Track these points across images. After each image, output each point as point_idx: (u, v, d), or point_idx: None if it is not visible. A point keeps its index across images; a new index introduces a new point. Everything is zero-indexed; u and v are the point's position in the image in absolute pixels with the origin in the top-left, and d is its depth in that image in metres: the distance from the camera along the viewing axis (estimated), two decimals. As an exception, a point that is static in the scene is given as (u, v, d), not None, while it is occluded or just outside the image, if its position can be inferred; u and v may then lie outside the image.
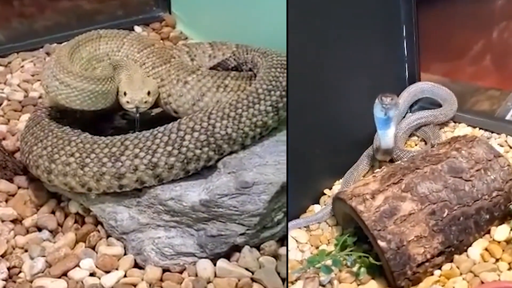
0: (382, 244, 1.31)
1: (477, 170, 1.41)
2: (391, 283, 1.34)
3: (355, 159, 1.70)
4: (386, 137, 1.58)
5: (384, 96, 1.52)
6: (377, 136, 1.63)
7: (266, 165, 1.46)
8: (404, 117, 1.81)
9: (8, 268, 1.41)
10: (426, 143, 1.75)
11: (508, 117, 1.81)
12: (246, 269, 1.39)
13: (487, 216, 1.40)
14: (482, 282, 1.32)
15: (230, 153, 1.48)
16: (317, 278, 1.39)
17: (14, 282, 1.38)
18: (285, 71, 1.57)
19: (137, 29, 2.30)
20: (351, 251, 1.40)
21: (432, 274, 1.36)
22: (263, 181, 1.42)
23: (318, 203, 1.63)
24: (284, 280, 1.38)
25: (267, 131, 1.53)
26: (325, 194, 1.64)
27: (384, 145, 1.60)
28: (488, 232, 1.42)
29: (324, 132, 1.61)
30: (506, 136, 1.71)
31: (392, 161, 1.66)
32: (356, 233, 1.43)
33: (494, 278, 1.33)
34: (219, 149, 1.46)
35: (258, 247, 1.43)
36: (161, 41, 2.25)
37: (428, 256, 1.33)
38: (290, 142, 1.46)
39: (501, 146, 1.68)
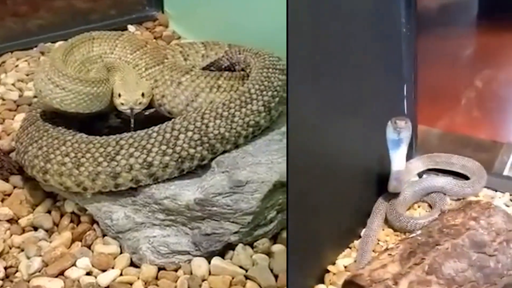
0: None
1: (499, 243, 1.33)
2: None
3: (356, 226, 1.58)
4: (396, 158, 1.54)
5: (398, 119, 1.50)
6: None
7: (259, 164, 1.48)
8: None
9: (5, 268, 1.42)
10: (431, 207, 1.66)
11: (505, 173, 1.76)
12: (240, 266, 1.41)
13: None
14: None
15: (223, 152, 1.50)
16: None
17: (11, 281, 1.40)
18: (277, 71, 1.59)
19: (131, 28, 2.32)
20: None
21: None
22: (256, 180, 1.44)
23: (323, 282, 1.45)
24: (277, 276, 1.40)
25: (260, 131, 1.55)
26: (329, 271, 1.47)
27: (395, 167, 1.56)
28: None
29: (323, 199, 1.45)
30: (510, 195, 1.65)
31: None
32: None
33: None
34: (213, 148, 1.48)
35: (251, 245, 1.45)
36: (154, 40, 2.27)
37: None
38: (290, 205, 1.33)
39: (507, 206, 1.61)
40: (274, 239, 1.48)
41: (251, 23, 1.95)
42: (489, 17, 2.28)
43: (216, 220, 1.43)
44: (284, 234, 1.49)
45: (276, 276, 1.40)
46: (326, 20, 1.38)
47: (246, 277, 1.40)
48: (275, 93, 1.56)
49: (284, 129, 1.59)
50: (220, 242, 1.43)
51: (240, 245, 1.44)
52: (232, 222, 1.43)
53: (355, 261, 1.48)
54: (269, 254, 1.44)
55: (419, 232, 1.39)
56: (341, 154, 1.50)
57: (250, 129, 1.52)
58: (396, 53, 1.69)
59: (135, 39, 1.72)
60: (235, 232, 1.43)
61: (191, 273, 1.41)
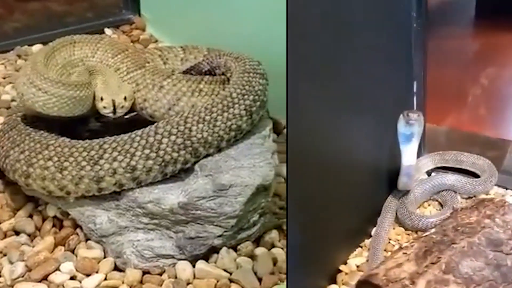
0: None
1: None
2: None
3: (366, 225, 1.57)
4: (407, 153, 1.54)
5: (410, 112, 1.50)
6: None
7: (242, 168, 1.49)
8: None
9: (-12, 273, 1.42)
10: (442, 206, 1.66)
11: None
12: (224, 270, 1.42)
13: None
14: None
15: (206, 156, 1.50)
16: None
17: (-5, 286, 1.40)
18: (257, 76, 1.60)
19: (107, 31, 2.31)
20: None
21: None
22: (239, 184, 1.45)
23: (335, 282, 1.45)
24: (261, 279, 1.41)
25: (242, 134, 1.56)
26: (341, 271, 1.47)
27: (405, 162, 1.55)
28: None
29: (331, 198, 1.43)
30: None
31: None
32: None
33: None
34: (196, 152, 1.49)
35: (235, 248, 1.46)
36: (132, 43, 2.26)
37: None
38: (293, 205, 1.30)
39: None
40: (257, 242, 1.50)
41: (228, 27, 1.96)
42: (487, 17, 2.33)
43: (200, 224, 1.44)
44: (267, 237, 1.50)
45: (260, 279, 1.41)
46: (333, 13, 1.37)
47: (231, 280, 1.41)
48: (256, 97, 1.57)
49: (264, 132, 1.60)
50: (204, 245, 1.44)
51: (224, 248, 1.44)
52: (216, 225, 1.44)
53: (367, 261, 1.49)
54: (252, 257, 1.45)
55: (433, 230, 1.38)
56: (348, 152, 1.50)
57: (232, 133, 1.53)
58: (406, 49, 1.68)
59: (116, 43, 1.71)
60: (219, 236, 1.44)
61: (176, 277, 1.41)
